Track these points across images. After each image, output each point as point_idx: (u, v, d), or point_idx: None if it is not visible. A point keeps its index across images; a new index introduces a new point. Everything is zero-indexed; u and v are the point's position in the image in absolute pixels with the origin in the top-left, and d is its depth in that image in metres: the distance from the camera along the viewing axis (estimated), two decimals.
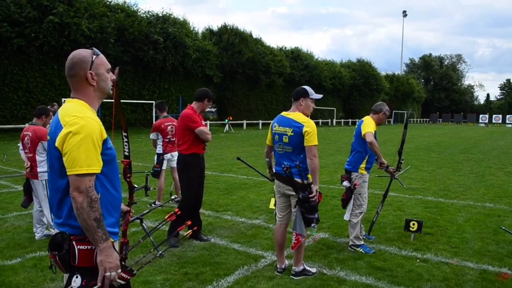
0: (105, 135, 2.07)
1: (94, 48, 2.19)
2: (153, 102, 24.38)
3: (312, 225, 4.09)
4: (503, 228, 5.15)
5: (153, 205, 7.12)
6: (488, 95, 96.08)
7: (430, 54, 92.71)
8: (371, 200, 5.50)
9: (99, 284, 2.02)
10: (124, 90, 27.78)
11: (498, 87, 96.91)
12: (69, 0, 23.49)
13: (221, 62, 34.52)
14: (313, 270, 4.31)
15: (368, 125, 5.06)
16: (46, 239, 5.25)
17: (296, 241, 4.10)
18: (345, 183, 5.10)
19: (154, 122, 7.47)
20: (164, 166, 7.17)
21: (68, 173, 1.96)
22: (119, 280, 2.07)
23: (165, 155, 7.04)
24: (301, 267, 4.23)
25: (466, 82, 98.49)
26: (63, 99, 21.22)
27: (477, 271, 4.44)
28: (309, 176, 4.05)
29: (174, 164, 6.78)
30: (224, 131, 30.09)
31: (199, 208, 5.54)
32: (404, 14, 75.05)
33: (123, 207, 2.35)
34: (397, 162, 5.64)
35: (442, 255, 4.89)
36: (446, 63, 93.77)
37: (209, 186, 8.62)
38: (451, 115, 70.81)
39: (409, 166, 6.14)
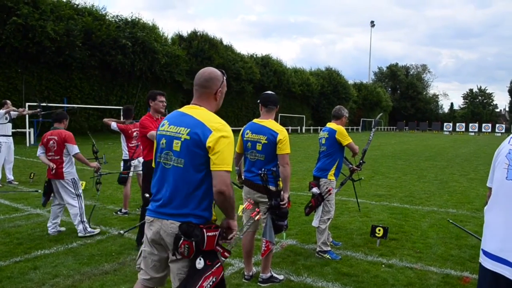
0: None
1: (223, 71, 2.67)
2: (121, 107, 23.98)
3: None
4: (450, 221, 5.36)
5: (119, 212, 6.97)
6: (452, 104, 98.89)
7: (397, 64, 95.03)
8: (337, 206, 5.56)
9: (231, 241, 2.57)
10: (91, 95, 27.20)
11: (461, 96, 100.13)
12: (35, 2, 22.88)
13: (190, 68, 34.32)
14: (280, 277, 4.31)
15: (345, 135, 5.18)
16: (57, 234, 5.75)
17: (266, 248, 4.09)
18: (314, 189, 5.13)
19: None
20: (131, 173, 7.04)
21: (216, 169, 2.34)
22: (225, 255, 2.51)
23: (132, 161, 6.92)
24: (268, 274, 4.22)
25: (431, 91, 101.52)
26: (27, 104, 20.61)
27: (440, 275, 4.54)
28: (280, 183, 4.06)
29: (140, 170, 6.68)
30: None
31: None
32: (372, 24, 76.68)
33: None
34: (359, 160, 5.71)
35: (406, 260, 4.98)
36: (411, 72, 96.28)
37: None
38: (417, 123, 72.67)
39: (363, 177, 6.32)
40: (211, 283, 2.36)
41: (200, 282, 2.32)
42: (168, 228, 2.44)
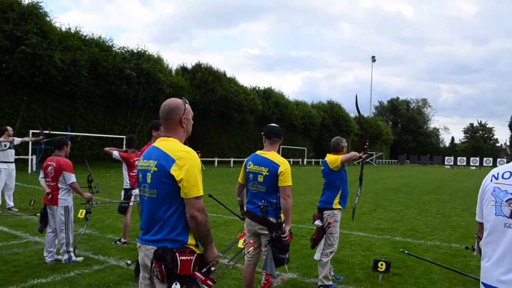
0: None
1: (184, 98, 2.79)
2: (124, 136, 24.07)
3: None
4: (406, 252, 5.39)
5: (118, 242, 6.89)
6: (452, 138, 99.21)
7: (398, 98, 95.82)
8: (340, 240, 5.49)
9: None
10: (95, 124, 27.39)
11: (462, 130, 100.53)
12: (44, 32, 23.37)
13: (194, 99, 34.67)
14: None
15: (335, 158, 5.13)
16: (55, 263, 5.65)
17: (266, 282, 4.02)
18: (317, 222, 5.09)
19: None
20: (132, 203, 7.00)
21: (187, 196, 2.45)
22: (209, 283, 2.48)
23: (133, 190, 6.89)
24: None
25: (432, 125, 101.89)
26: (30, 131, 20.71)
27: None
28: (281, 215, 4.03)
29: None
30: None
31: None
32: (373, 59, 77.75)
33: None
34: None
35: None
36: (412, 106, 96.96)
37: None
38: (418, 157, 72.67)
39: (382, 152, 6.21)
40: None
41: None
42: (149, 253, 2.54)
